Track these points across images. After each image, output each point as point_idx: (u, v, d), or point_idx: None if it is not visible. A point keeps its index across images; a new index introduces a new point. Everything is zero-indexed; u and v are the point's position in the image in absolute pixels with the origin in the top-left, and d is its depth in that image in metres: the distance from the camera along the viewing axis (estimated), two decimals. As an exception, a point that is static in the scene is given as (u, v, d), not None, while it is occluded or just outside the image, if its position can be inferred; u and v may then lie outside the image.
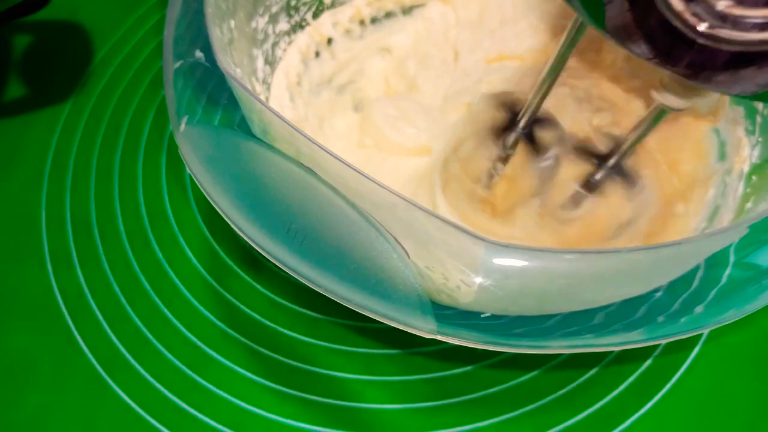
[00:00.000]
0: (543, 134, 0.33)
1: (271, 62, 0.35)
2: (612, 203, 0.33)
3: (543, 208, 0.34)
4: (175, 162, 0.40)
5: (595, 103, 0.37)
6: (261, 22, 0.33)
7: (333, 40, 0.39)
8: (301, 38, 0.37)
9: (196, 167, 0.23)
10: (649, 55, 0.21)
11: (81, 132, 0.42)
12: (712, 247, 0.23)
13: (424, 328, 0.21)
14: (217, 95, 0.27)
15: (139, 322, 0.35)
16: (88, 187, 0.40)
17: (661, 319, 0.25)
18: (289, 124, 0.23)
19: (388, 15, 0.41)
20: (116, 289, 0.36)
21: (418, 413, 0.31)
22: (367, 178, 0.22)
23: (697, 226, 0.32)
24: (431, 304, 0.21)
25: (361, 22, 0.40)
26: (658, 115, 0.27)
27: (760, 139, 0.31)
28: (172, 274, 0.36)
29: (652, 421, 0.31)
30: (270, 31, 0.34)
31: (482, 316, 0.22)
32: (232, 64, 0.27)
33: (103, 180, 0.40)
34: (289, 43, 0.37)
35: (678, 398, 0.32)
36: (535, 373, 0.32)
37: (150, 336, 0.35)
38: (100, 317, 0.35)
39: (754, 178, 0.30)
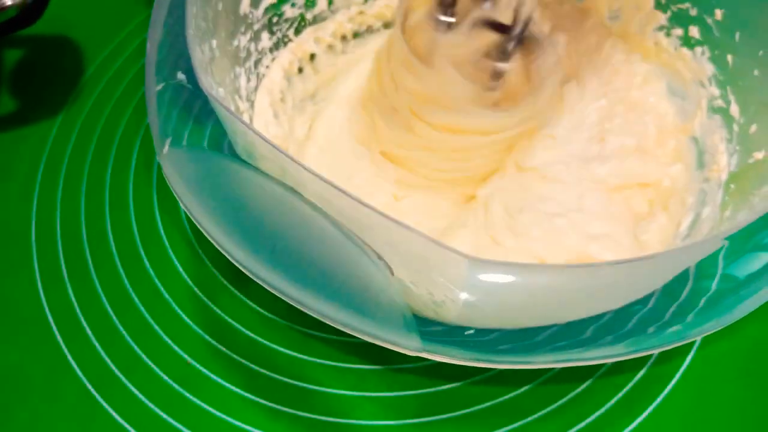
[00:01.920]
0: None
1: (254, 80, 0.35)
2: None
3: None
4: (166, 177, 0.40)
5: None
6: (243, 40, 0.34)
7: (316, 56, 0.39)
8: (284, 55, 0.37)
9: (179, 188, 0.23)
10: None
11: (72, 147, 0.42)
12: (687, 259, 0.24)
13: (408, 346, 0.21)
14: (203, 117, 0.27)
15: (129, 338, 0.35)
16: (78, 202, 0.40)
17: (651, 329, 0.25)
18: (269, 143, 0.23)
19: (370, 30, 0.41)
20: (106, 304, 0.36)
21: (408, 429, 0.31)
22: (350, 196, 0.22)
23: (679, 235, 0.33)
24: (416, 321, 0.21)
25: (344, 38, 0.40)
26: None
27: (737, 148, 0.32)
28: (162, 289, 0.36)
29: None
30: (252, 48, 0.35)
31: (467, 333, 0.22)
32: (214, 84, 0.28)
33: (93, 195, 0.40)
34: (272, 59, 0.37)
35: (670, 410, 0.31)
36: (526, 387, 0.32)
37: (140, 352, 0.34)
38: (90, 333, 0.35)
39: (732, 186, 0.31)
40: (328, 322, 0.22)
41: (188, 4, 0.27)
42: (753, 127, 0.31)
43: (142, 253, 0.38)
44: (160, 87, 0.26)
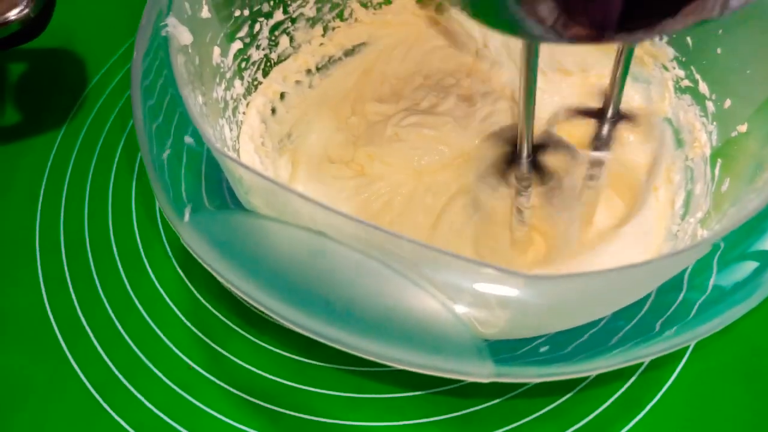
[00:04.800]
0: (549, 158, 0.33)
1: (234, 129, 0.34)
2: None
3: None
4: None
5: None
6: (219, 90, 0.33)
7: (286, 94, 0.39)
8: (257, 98, 0.37)
9: (213, 261, 0.22)
10: None
11: (75, 157, 0.42)
12: (674, 267, 0.24)
13: (482, 374, 0.21)
14: (210, 174, 0.26)
15: (132, 344, 0.35)
16: (82, 211, 0.40)
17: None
18: (297, 194, 0.22)
19: (333, 60, 0.41)
20: (109, 310, 0.36)
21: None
22: (382, 230, 0.21)
23: (675, 213, 0.34)
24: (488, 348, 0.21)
25: (309, 71, 0.40)
26: (627, 54, 0.27)
27: (714, 124, 0.33)
28: (165, 296, 0.36)
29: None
30: (228, 97, 0.34)
31: (542, 350, 0.22)
32: (216, 140, 0.27)
33: (96, 204, 0.40)
34: (247, 105, 0.36)
35: (666, 411, 0.32)
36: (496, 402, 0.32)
37: (143, 357, 0.34)
38: (93, 338, 0.35)
39: (719, 161, 0.32)
40: (399, 366, 0.21)
41: (174, 66, 0.26)
42: (727, 102, 0.32)
43: (145, 260, 0.38)
44: (166, 154, 0.24)
